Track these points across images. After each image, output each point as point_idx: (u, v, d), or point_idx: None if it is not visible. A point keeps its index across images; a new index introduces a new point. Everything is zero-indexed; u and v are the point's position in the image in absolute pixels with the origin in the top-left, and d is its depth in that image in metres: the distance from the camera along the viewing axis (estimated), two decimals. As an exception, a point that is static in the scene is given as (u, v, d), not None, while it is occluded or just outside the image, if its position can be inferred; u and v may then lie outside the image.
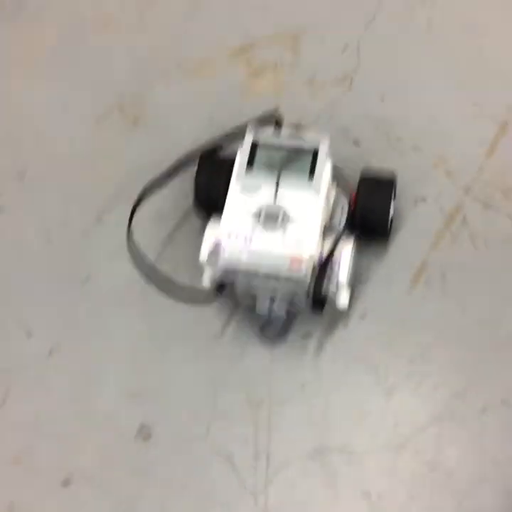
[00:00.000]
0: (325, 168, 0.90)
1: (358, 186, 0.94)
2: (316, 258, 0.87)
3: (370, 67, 1.18)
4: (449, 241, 1.03)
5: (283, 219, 0.87)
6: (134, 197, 1.03)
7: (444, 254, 1.03)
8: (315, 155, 0.90)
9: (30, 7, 1.31)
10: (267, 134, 0.93)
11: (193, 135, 1.09)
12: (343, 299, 0.91)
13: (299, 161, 0.90)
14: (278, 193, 0.89)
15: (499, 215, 1.05)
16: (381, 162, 1.05)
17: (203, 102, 1.18)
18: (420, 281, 1.01)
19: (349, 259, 0.89)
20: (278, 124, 0.97)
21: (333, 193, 0.94)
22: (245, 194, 0.90)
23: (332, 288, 0.88)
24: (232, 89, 1.19)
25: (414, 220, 1.05)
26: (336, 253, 0.89)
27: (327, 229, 0.91)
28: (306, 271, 0.85)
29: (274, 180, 0.89)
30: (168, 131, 1.16)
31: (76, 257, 1.08)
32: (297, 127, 0.97)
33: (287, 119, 1.02)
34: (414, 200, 1.06)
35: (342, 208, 0.94)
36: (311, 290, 0.86)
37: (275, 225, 0.87)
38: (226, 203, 0.89)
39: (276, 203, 0.89)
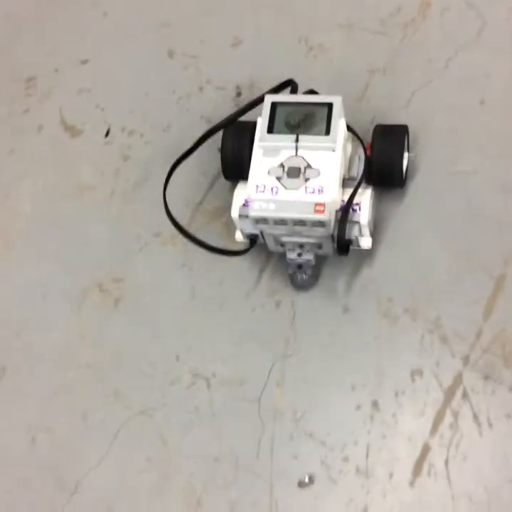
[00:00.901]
0: (340, 121, 0.98)
1: (372, 136, 1.03)
2: (338, 204, 0.97)
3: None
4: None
5: (305, 169, 0.97)
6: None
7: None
8: (330, 109, 0.98)
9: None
10: (284, 96, 1.06)
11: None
12: (365, 241, 1.03)
13: (316, 116, 0.99)
14: (298, 149, 0.98)
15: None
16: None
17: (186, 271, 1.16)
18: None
19: (369, 203, 0.99)
20: (294, 90, 1.09)
21: (349, 146, 1.03)
22: (268, 155, 0.99)
23: (355, 232, 1.00)
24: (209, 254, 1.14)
25: (412, 396, 1.01)
26: (356, 198, 0.98)
27: (346, 180, 1.01)
28: (329, 215, 0.94)
29: (294, 138, 0.99)
30: (149, 309, 1.14)
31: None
32: (311, 92, 1.09)
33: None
34: (411, 372, 0.98)
35: (359, 158, 1.02)
36: (336, 233, 0.96)
37: (298, 175, 0.97)
38: (251, 163, 0.99)
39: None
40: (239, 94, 1.27)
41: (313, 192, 0.96)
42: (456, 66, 1.21)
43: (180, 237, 1.14)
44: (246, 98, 1.26)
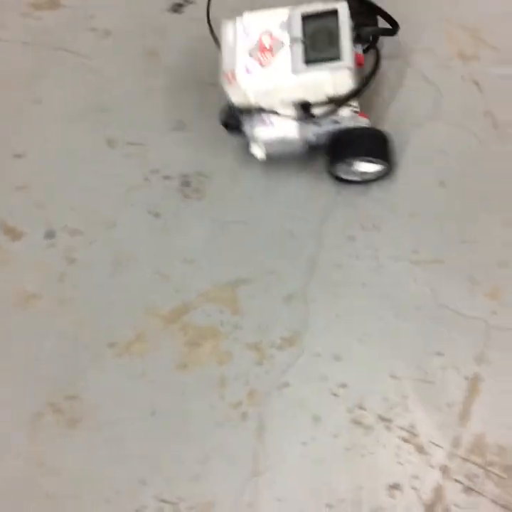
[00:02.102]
0: None
1: None
2: None
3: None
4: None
5: None
6: None
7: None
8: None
9: None
10: None
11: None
12: None
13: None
14: None
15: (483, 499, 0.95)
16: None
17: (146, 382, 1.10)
18: None
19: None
20: None
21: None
22: None
23: None
24: (170, 362, 1.11)
25: None
26: None
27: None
28: None
29: None
30: (109, 428, 1.09)
31: None
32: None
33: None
34: (389, 487, 0.95)
35: None
36: None
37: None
38: None
39: None
40: (186, 183, 1.21)
41: None
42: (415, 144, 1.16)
43: (137, 345, 1.08)
44: (193, 188, 1.19)
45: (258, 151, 1.09)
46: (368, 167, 1.09)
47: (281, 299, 1.10)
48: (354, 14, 1.07)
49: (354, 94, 1.06)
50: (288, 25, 1.06)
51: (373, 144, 1.10)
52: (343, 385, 1.03)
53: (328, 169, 1.10)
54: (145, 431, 1.05)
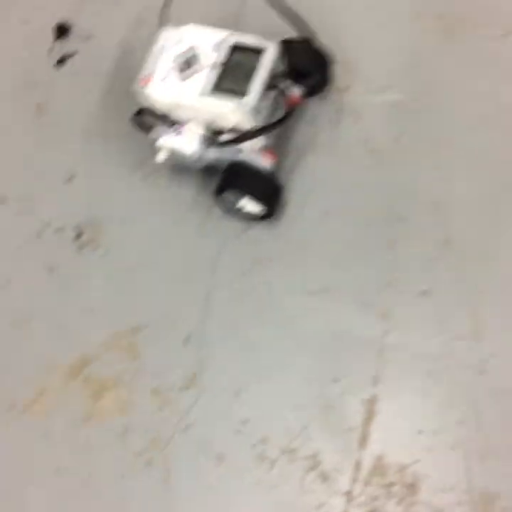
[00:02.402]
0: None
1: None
2: None
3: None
4: None
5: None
6: None
7: None
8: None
9: None
10: None
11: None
12: None
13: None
14: None
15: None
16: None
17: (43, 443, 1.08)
18: None
19: None
20: None
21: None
22: None
23: None
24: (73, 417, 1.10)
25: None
26: None
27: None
28: None
29: None
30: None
31: None
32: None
33: None
34: None
35: None
36: None
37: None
38: None
39: None
40: (79, 234, 1.21)
41: None
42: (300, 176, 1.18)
43: (39, 403, 1.11)
44: (87, 238, 1.19)
45: (160, 155, 1.12)
46: (249, 206, 1.10)
47: (180, 340, 1.10)
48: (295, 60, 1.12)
49: (254, 135, 1.08)
50: (218, 48, 1.08)
51: (260, 185, 1.12)
52: (246, 421, 1.03)
53: (214, 196, 1.11)
54: (50, 491, 1.04)
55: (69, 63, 1.38)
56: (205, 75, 1.07)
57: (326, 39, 1.19)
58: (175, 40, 1.10)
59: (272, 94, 1.08)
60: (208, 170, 1.13)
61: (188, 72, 1.08)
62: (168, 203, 1.22)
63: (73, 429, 1.07)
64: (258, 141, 1.09)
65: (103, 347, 1.12)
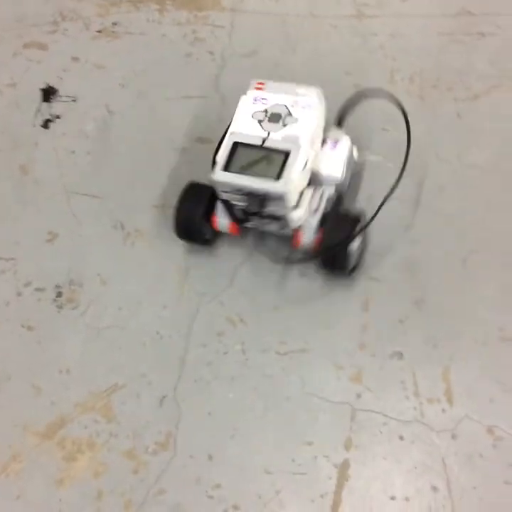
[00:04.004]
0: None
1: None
2: None
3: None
4: None
5: None
6: None
7: None
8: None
9: None
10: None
11: None
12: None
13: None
14: None
15: None
16: None
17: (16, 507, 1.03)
18: None
19: None
20: None
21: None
22: None
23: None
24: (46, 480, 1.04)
25: None
26: None
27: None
28: None
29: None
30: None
31: None
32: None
33: None
34: None
35: None
36: None
37: None
38: None
39: None
40: (59, 294, 1.15)
41: None
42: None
43: (13, 465, 1.06)
44: (66, 297, 1.14)
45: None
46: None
47: (154, 401, 1.05)
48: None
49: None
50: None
51: None
52: (218, 486, 0.97)
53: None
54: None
55: (53, 125, 1.33)
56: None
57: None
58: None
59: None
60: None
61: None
62: (146, 265, 1.17)
63: (47, 491, 1.01)
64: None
65: (79, 408, 1.06)
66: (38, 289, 1.18)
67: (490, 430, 0.95)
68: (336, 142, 1.08)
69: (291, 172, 0.97)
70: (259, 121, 1.03)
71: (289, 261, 1.08)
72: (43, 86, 1.39)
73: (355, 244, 1.03)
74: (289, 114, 1.03)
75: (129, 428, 1.03)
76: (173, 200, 1.13)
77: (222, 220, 1.08)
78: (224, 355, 1.06)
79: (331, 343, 1.03)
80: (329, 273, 1.08)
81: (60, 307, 1.16)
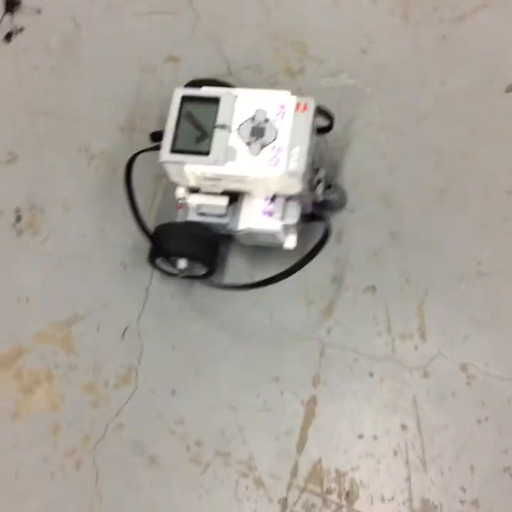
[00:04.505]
0: None
1: None
2: None
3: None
4: None
5: None
6: None
7: None
8: None
9: None
10: None
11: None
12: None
13: None
14: None
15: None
16: None
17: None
18: None
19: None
20: None
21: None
22: None
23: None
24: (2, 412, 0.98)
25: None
26: None
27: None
28: None
29: None
30: None
31: None
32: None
33: None
34: None
35: None
36: None
37: None
38: None
39: None
40: (19, 218, 1.07)
41: None
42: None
43: None
44: (27, 222, 1.06)
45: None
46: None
47: (116, 333, 0.98)
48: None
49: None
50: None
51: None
52: (180, 421, 0.91)
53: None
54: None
55: (16, 39, 1.21)
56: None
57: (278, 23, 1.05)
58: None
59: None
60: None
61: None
62: (111, 189, 1.09)
63: (1, 424, 0.94)
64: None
65: (38, 338, 0.99)
66: (-7, 212, 1.09)
67: (463, 367, 0.89)
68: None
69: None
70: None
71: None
72: (6, -4, 1.26)
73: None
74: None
75: (89, 360, 0.97)
76: (141, 123, 1.03)
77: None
78: (190, 287, 0.98)
79: (301, 276, 0.95)
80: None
81: (19, 232, 1.08)
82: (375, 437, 0.88)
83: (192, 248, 0.91)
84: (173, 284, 0.99)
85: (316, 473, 0.87)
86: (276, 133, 0.87)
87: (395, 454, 0.87)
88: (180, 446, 0.91)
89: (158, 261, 0.94)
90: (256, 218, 0.89)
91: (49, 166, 1.13)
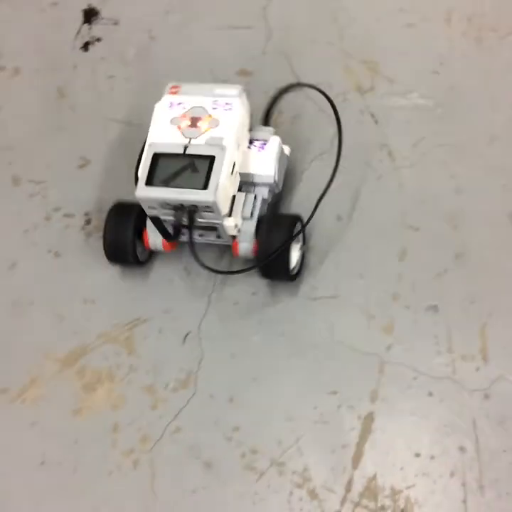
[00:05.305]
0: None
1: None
2: None
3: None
4: None
5: None
6: None
7: None
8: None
9: None
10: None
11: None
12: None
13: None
14: None
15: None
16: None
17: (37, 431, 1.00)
18: None
19: None
20: None
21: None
22: None
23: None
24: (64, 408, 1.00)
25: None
26: None
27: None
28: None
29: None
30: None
31: None
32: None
33: None
34: None
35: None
36: None
37: None
38: None
39: None
40: (88, 221, 1.10)
41: None
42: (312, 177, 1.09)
43: (31, 390, 1.00)
44: (95, 225, 1.09)
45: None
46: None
47: (177, 338, 1.00)
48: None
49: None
50: None
51: None
52: (237, 429, 0.92)
53: None
54: (33, 482, 0.94)
55: (93, 48, 1.26)
56: None
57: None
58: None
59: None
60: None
61: None
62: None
63: (63, 420, 0.98)
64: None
65: (102, 339, 1.02)
66: (66, 215, 1.13)
67: (525, 393, 0.87)
68: (264, 142, 0.98)
69: (218, 178, 0.88)
70: (179, 128, 0.93)
71: (229, 272, 1.01)
72: (85, 7, 1.30)
73: (295, 248, 0.96)
74: (209, 116, 0.93)
75: (150, 363, 0.99)
76: None
77: (154, 239, 0.98)
78: (252, 295, 1.00)
79: (363, 292, 0.97)
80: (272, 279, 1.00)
81: (88, 235, 1.11)
82: (432, 457, 0.88)
83: None
84: (235, 292, 1.01)
85: (371, 489, 0.87)
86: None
87: (452, 475, 0.86)
88: (235, 452, 0.92)
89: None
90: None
91: (118, 172, 1.15)
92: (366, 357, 0.94)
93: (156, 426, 0.96)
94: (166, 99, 0.97)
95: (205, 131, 0.93)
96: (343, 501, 0.87)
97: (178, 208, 0.90)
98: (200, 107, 0.95)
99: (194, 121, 0.94)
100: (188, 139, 0.93)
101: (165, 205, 0.90)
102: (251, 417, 0.93)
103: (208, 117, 0.94)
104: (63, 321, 1.05)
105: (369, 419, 0.90)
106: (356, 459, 0.89)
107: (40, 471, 0.96)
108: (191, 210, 0.90)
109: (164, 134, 0.94)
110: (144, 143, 0.94)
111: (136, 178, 0.92)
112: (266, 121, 1.05)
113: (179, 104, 0.96)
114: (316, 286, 0.99)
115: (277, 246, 0.92)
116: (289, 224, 0.94)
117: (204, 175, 0.89)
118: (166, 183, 0.90)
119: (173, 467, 0.93)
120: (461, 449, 0.87)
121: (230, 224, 0.92)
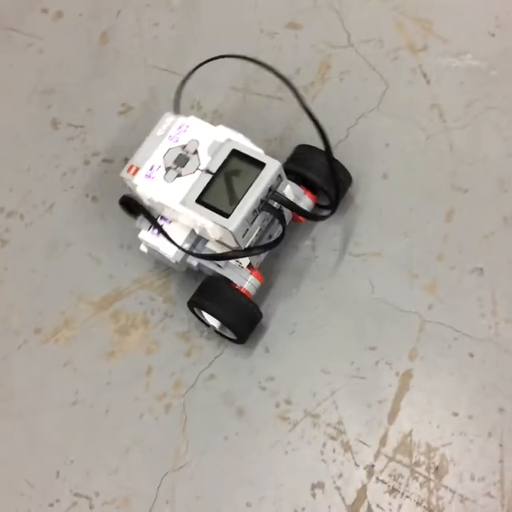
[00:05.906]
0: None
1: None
2: None
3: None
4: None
5: None
6: None
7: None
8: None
9: None
10: None
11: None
12: None
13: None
14: None
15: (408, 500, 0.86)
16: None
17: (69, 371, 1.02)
18: None
19: None
20: None
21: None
22: None
23: None
24: (97, 350, 1.02)
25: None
26: None
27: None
28: None
29: None
30: (26, 416, 1.01)
31: None
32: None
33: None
34: (312, 486, 0.89)
35: None
36: None
37: None
38: None
39: None
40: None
41: None
42: (357, 134, 1.06)
43: (64, 331, 1.01)
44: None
45: (142, 246, 0.99)
46: (219, 325, 0.97)
47: (214, 287, 0.99)
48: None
49: (235, 255, 0.91)
50: (215, 152, 0.90)
51: (233, 313, 0.93)
52: (272, 378, 0.93)
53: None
54: (64, 421, 0.96)
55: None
56: (193, 180, 0.90)
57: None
58: (174, 131, 0.95)
59: (265, 214, 0.90)
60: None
61: (176, 171, 0.92)
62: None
63: (96, 362, 0.99)
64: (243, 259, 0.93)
65: (137, 284, 1.02)
66: (105, 160, 1.14)
67: None
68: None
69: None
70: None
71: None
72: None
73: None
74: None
75: (185, 311, 0.99)
76: (255, 86, 1.09)
77: None
78: (292, 248, 1.00)
79: (407, 251, 0.97)
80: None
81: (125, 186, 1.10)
82: (470, 417, 0.88)
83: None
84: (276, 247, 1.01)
85: (406, 445, 0.87)
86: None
87: (490, 435, 0.87)
88: (269, 402, 0.93)
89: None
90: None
91: (159, 119, 1.15)
92: (407, 315, 0.94)
93: (190, 372, 0.96)
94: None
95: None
96: (377, 455, 0.87)
97: (263, 203, 0.88)
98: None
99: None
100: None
101: (251, 216, 0.88)
102: (286, 369, 0.94)
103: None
104: (99, 264, 1.06)
105: (407, 376, 0.91)
106: (392, 415, 0.89)
107: (72, 410, 0.97)
108: (274, 193, 0.89)
109: None
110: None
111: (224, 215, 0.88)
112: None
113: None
114: (359, 243, 0.99)
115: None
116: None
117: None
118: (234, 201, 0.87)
119: (206, 413, 0.93)
120: (501, 410, 0.88)
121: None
